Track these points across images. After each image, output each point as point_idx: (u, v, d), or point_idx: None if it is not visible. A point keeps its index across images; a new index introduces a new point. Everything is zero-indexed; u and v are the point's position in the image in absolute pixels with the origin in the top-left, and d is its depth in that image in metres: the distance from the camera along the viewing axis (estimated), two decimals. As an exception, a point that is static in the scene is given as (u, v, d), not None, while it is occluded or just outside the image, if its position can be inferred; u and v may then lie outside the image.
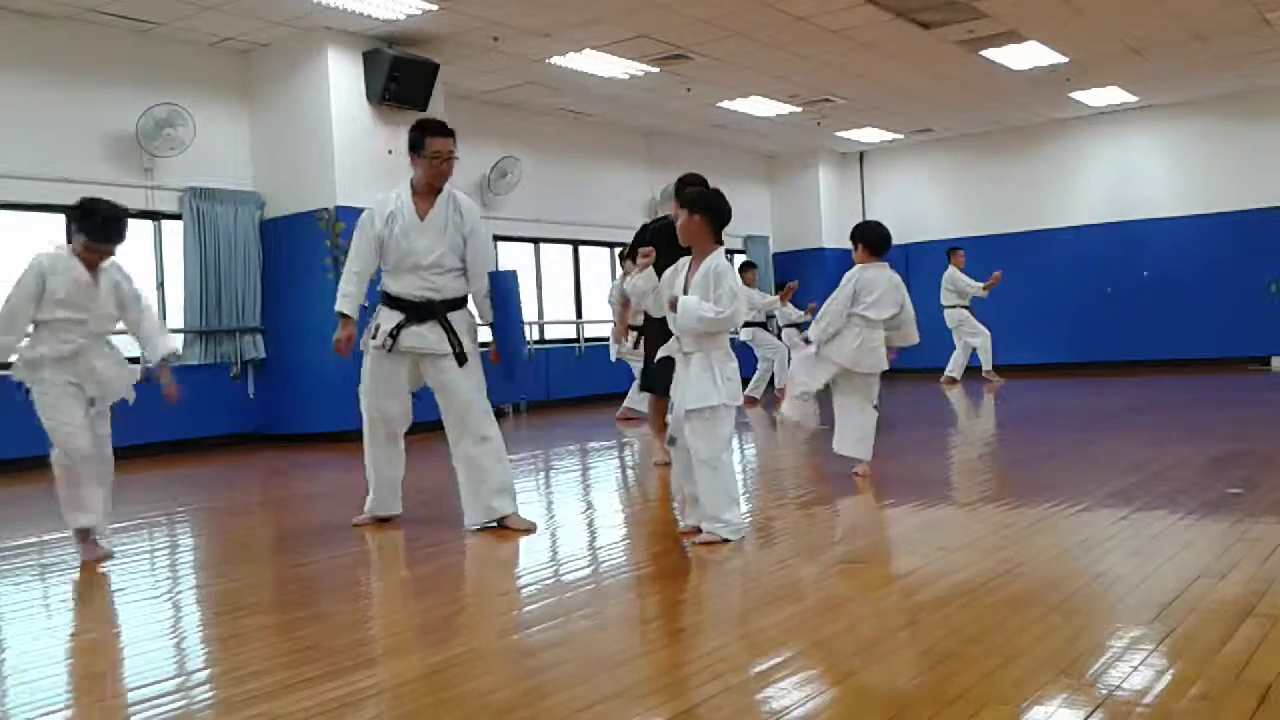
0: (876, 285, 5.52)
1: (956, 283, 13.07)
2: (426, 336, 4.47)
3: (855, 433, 5.55)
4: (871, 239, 5.65)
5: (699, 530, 4.08)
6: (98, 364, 4.34)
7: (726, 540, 3.98)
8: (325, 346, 9.08)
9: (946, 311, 13.18)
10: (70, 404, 4.25)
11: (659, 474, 5.90)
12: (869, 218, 16.55)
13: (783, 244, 16.35)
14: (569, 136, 13.08)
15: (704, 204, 4.22)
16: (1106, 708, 2.16)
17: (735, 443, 4.27)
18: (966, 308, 13.08)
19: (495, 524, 4.47)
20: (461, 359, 4.47)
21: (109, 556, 4.32)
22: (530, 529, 4.47)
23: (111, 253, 4.36)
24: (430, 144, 4.46)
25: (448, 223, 4.49)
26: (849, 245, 5.87)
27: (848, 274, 5.62)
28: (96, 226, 4.22)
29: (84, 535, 4.33)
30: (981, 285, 12.87)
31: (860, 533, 4.46)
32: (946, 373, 13.25)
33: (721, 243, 4.18)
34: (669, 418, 4.19)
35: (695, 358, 4.05)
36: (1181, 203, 14.24)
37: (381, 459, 4.70)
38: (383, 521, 4.74)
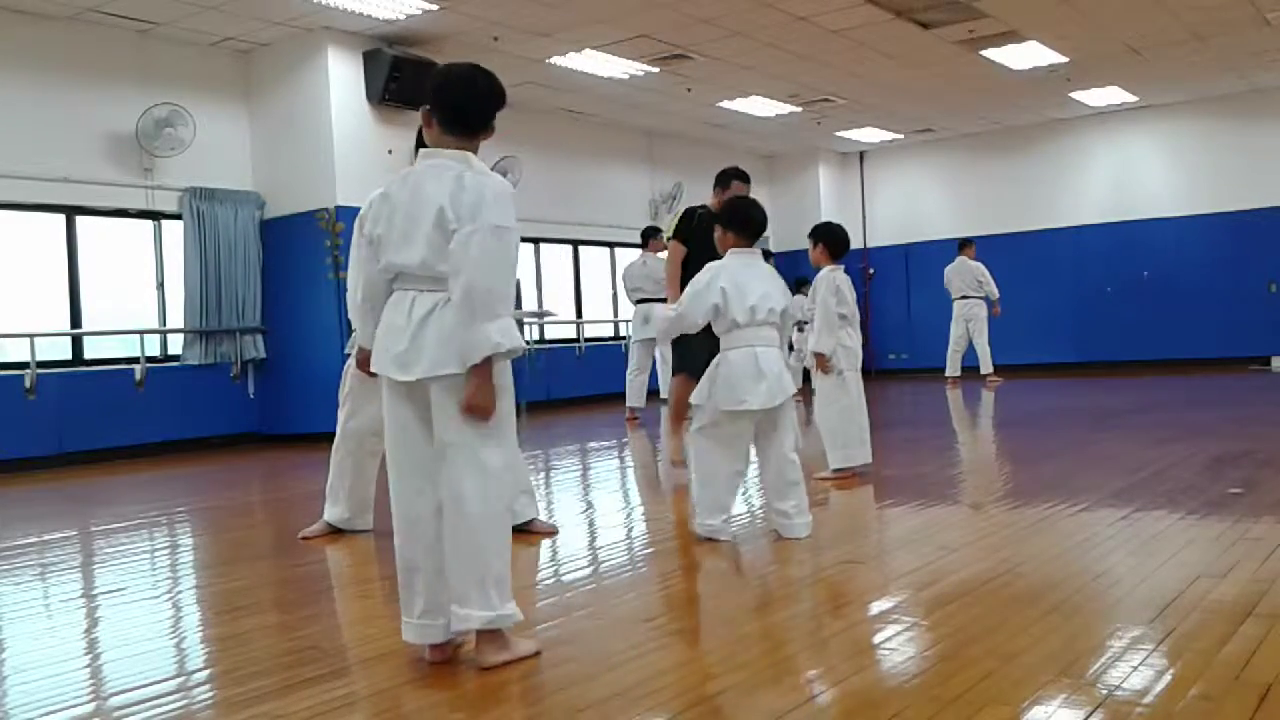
0: (846, 285, 5.59)
1: (980, 274, 12.84)
2: None
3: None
4: (835, 242, 5.65)
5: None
6: None
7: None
8: (325, 346, 9.26)
9: (960, 303, 12.95)
10: None
11: (677, 476, 5.83)
12: (869, 218, 16.74)
13: (782, 244, 16.33)
14: (569, 136, 13.08)
15: (728, 217, 4.29)
16: (1106, 708, 2.16)
17: (737, 444, 4.24)
18: (982, 299, 12.88)
19: (518, 528, 4.43)
20: None
21: None
22: (553, 531, 4.45)
23: None
24: None
25: None
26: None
27: (820, 279, 5.57)
28: None
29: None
30: (997, 296, 12.82)
31: (860, 533, 4.46)
32: (948, 374, 13.21)
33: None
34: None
35: (774, 351, 4.08)
36: (1181, 203, 14.25)
37: (365, 470, 4.50)
38: (337, 533, 4.54)
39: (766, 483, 4.16)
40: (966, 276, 12.90)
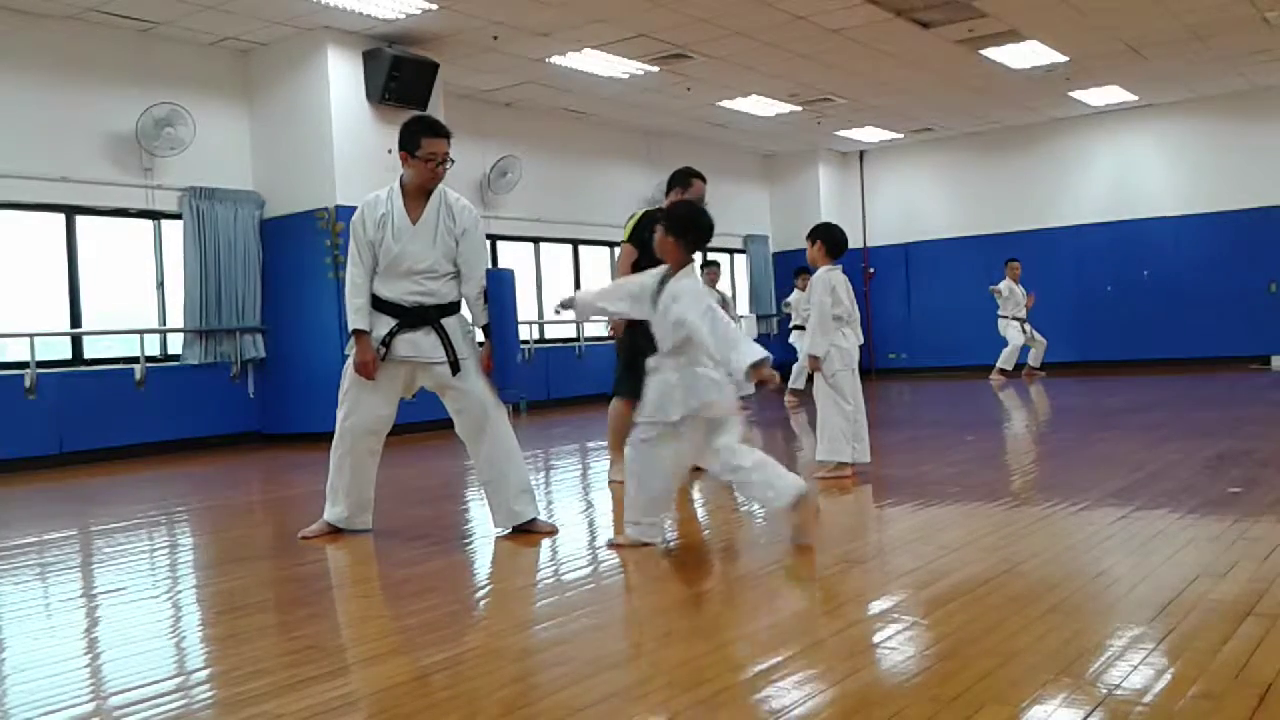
0: (842, 285, 5.57)
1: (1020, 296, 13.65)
2: (421, 344, 4.33)
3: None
4: (833, 241, 5.64)
5: None
6: None
7: None
8: (325, 346, 9.26)
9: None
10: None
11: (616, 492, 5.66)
12: (869, 217, 16.73)
13: (782, 244, 16.34)
14: (569, 136, 13.08)
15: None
16: (1106, 707, 2.16)
17: (738, 443, 4.22)
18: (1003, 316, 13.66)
19: (518, 528, 4.42)
20: (455, 367, 4.33)
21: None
22: (553, 531, 4.45)
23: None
24: (426, 145, 4.27)
25: (439, 226, 4.32)
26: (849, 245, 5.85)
27: (816, 279, 5.57)
28: None
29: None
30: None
31: (860, 533, 4.46)
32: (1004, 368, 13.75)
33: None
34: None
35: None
36: (1181, 203, 14.25)
37: (364, 469, 4.49)
38: (337, 533, 4.53)
39: None
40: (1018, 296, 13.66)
